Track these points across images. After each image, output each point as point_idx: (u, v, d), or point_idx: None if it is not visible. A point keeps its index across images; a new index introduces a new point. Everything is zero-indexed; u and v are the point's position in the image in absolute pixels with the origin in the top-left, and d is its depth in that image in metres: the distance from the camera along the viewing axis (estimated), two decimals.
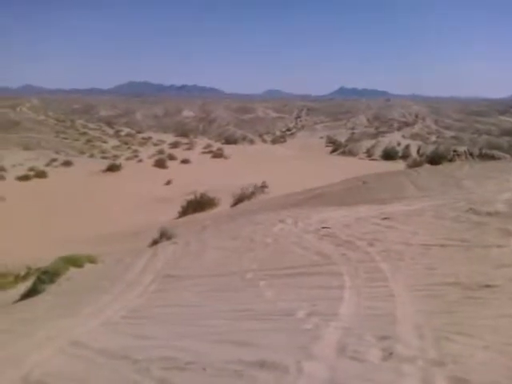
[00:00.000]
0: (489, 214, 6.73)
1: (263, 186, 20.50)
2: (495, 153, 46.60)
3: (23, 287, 8.77)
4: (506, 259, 4.58)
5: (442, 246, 5.45)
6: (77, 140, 66.23)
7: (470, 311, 3.36)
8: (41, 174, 36.83)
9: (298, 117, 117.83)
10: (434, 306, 3.55)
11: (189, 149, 61.78)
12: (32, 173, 37.06)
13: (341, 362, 2.68)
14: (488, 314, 3.24)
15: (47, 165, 43.20)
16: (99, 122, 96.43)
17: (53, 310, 6.10)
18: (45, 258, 9.88)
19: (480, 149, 49.40)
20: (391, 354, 2.68)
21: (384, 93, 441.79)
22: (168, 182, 33.44)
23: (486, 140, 61.75)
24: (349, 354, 2.76)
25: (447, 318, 3.26)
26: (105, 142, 67.62)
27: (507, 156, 44.76)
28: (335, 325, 3.36)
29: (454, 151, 47.66)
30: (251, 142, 75.64)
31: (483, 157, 44.23)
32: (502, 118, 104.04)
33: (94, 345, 3.84)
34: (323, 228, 7.42)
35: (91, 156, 53.22)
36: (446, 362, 2.53)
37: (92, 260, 9.07)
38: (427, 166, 19.49)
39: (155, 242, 10.61)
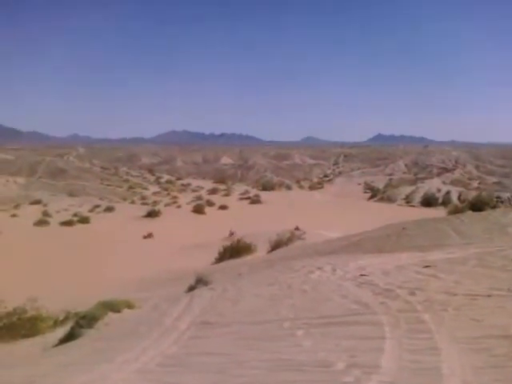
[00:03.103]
0: None
1: (301, 233, 20.34)
2: None
3: (62, 331, 8.88)
4: None
5: (489, 296, 5.21)
6: (120, 187, 68.36)
7: None
8: (84, 220, 37.94)
9: (336, 163, 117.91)
10: (481, 361, 3.36)
11: (226, 195, 62.46)
12: (76, 218, 38.24)
13: None
14: None
15: (90, 210, 44.54)
16: (141, 170, 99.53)
17: (90, 356, 6.13)
18: (85, 302, 10.02)
19: None
20: None
21: (422, 139, 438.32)
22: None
23: None
24: None
25: (497, 373, 3.07)
26: (145, 189, 69.40)
27: None
28: (377, 378, 3.21)
29: (498, 197, 46.24)
30: (288, 188, 75.89)
31: None
32: None
33: None
34: (362, 276, 7.24)
35: (132, 202, 54.61)
36: None
37: (130, 305, 9.14)
38: (469, 212, 18.90)
39: (192, 288, 10.61)
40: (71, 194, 57.38)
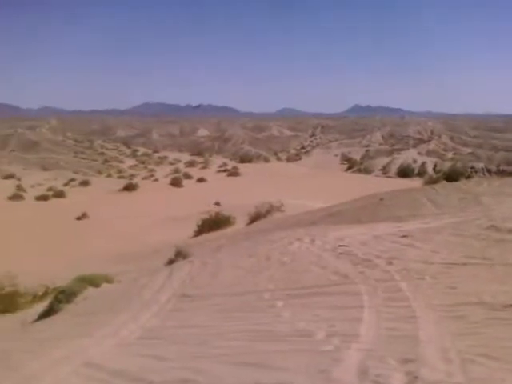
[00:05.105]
0: (510, 231, 6.57)
1: (280, 205, 20.38)
2: None
3: (41, 307, 8.79)
4: None
5: (464, 264, 5.32)
6: (95, 160, 67.26)
7: (495, 332, 3.23)
8: (59, 194, 37.34)
9: (313, 135, 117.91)
10: (458, 327, 3.44)
11: (204, 167, 62.15)
12: (51, 192, 37.60)
13: None
14: None
15: (65, 184, 43.83)
16: (117, 143, 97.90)
17: (69, 330, 6.09)
18: (63, 277, 9.92)
19: (498, 165, 48.81)
20: (416, 378, 2.58)
21: (398, 110, 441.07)
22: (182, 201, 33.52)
23: (503, 156, 60.96)
24: (371, 378, 2.66)
25: (472, 339, 3.15)
26: (122, 162, 68.52)
27: None
28: (356, 346, 3.26)
29: (472, 168, 47.17)
30: (266, 160, 75.84)
31: (501, 173, 43.64)
32: None
33: (109, 366, 3.79)
34: (340, 246, 7.31)
35: (108, 176, 53.90)
36: None
37: (109, 279, 9.08)
38: (444, 182, 19.22)
39: (171, 261, 10.60)
40: (45, 168, 56.24)
